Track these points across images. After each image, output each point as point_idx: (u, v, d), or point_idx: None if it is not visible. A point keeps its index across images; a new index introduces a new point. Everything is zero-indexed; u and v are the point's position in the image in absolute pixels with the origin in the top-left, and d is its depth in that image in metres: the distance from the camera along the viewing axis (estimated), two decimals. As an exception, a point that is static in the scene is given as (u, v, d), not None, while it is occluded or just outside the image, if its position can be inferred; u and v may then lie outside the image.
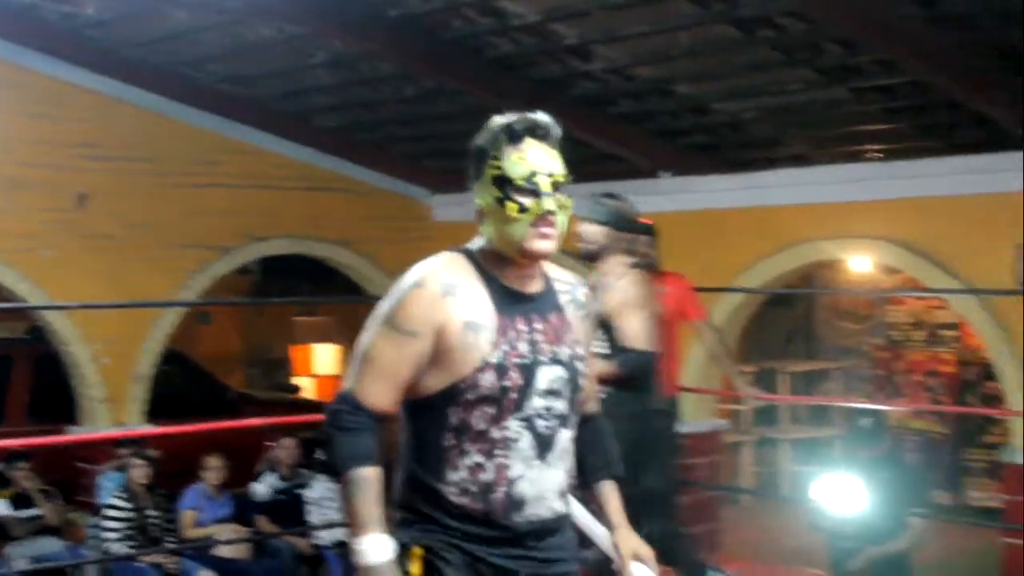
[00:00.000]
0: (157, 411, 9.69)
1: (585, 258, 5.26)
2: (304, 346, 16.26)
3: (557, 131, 2.73)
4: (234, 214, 10.15)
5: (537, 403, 2.66)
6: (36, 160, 9.14)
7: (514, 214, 2.63)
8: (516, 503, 2.65)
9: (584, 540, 3.05)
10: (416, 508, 2.69)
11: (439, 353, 2.60)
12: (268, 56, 8.57)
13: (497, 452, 2.63)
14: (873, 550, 6.39)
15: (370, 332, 2.66)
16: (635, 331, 5.02)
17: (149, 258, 9.70)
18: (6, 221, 9.07)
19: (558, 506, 2.73)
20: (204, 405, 10.95)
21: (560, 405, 2.70)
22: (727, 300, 8.95)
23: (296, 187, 10.53)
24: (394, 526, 2.67)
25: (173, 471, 8.95)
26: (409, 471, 2.71)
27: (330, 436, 2.62)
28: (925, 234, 8.10)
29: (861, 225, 8.43)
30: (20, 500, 8.84)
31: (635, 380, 5.04)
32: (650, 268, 5.61)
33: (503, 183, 2.65)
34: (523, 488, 2.65)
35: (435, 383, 2.62)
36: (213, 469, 8.89)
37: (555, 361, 2.70)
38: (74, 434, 9.38)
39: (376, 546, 2.56)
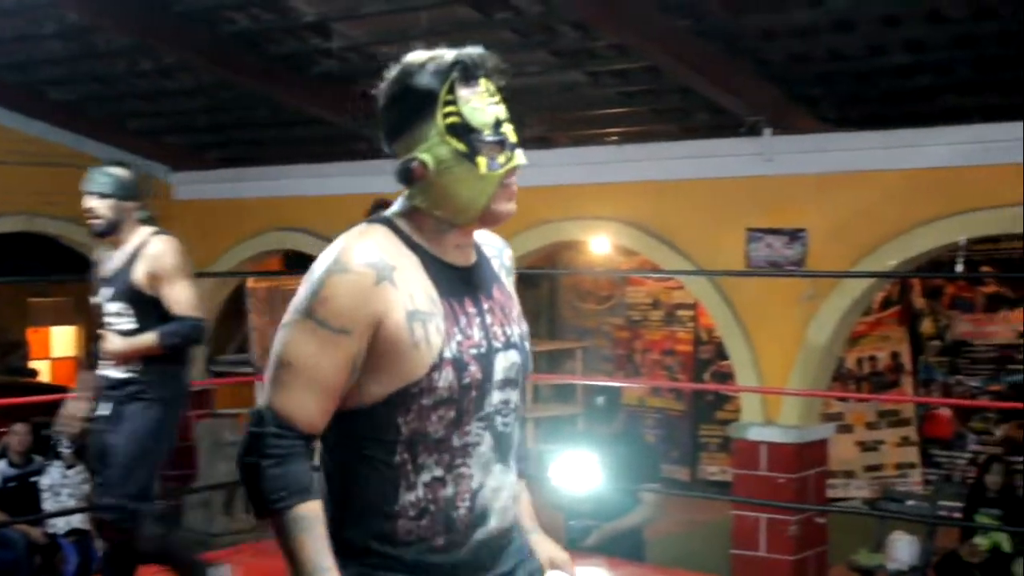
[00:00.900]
0: None
1: (99, 234, 4.90)
2: (41, 328, 15.57)
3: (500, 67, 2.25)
4: (-42, 191, 9.63)
5: (496, 398, 2.21)
6: None
7: (483, 170, 2.15)
8: (479, 517, 2.21)
9: None
10: (352, 545, 2.16)
11: (379, 353, 2.10)
12: (-5, 24, 8.13)
13: (457, 462, 2.17)
14: (607, 526, 6.48)
15: (288, 331, 2.12)
16: (186, 298, 4.78)
17: None
18: None
19: (513, 513, 2.31)
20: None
21: (515, 396, 2.26)
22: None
23: (27, 162, 10.03)
24: None
25: None
26: (339, 500, 2.18)
27: (253, 467, 2.09)
28: (660, 216, 8.31)
29: (600, 207, 8.59)
30: None
31: (183, 352, 4.87)
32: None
33: (464, 132, 2.14)
34: (486, 498, 2.21)
35: (377, 389, 2.11)
36: (-59, 456, 8.44)
37: (509, 345, 2.25)
38: None
39: None
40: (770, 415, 7.89)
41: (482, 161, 2.15)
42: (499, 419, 2.22)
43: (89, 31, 8.05)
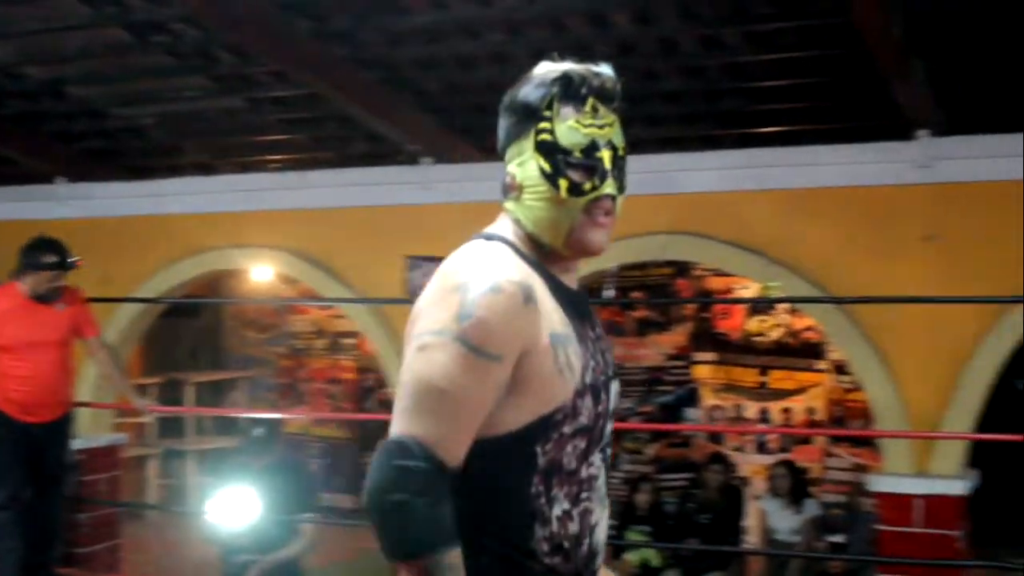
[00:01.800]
0: None
1: None
2: None
3: (620, 91, 2.14)
4: None
5: (608, 428, 2.09)
6: None
7: (564, 194, 2.03)
8: (595, 553, 2.07)
9: None
10: None
11: (523, 378, 1.92)
12: None
13: (583, 495, 2.02)
14: (265, 560, 6.40)
15: (434, 354, 1.90)
16: None
17: None
18: None
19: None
20: None
21: (611, 427, 2.12)
22: (126, 311, 8.67)
23: None
24: None
25: None
26: (468, 539, 1.91)
27: (402, 505, 1.85)
28: (320, 244, 8.27)
29: (261, 234, 8.47)
30: None
31: None
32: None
33: (553, 152, 2.04)
34: (599, 534, 2.07)
35: (516, 416, 1.93)
36: None
37: (615, 375, 2.14)
38: None
39: None
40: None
41: (563, 184, 2.03)
42: (608, 451, 2.10)
43: None
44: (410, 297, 7.80)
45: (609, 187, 2.06)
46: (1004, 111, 6.70)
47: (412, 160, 7.83)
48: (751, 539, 9.11)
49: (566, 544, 1.98)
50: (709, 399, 10.64)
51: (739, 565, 8.73)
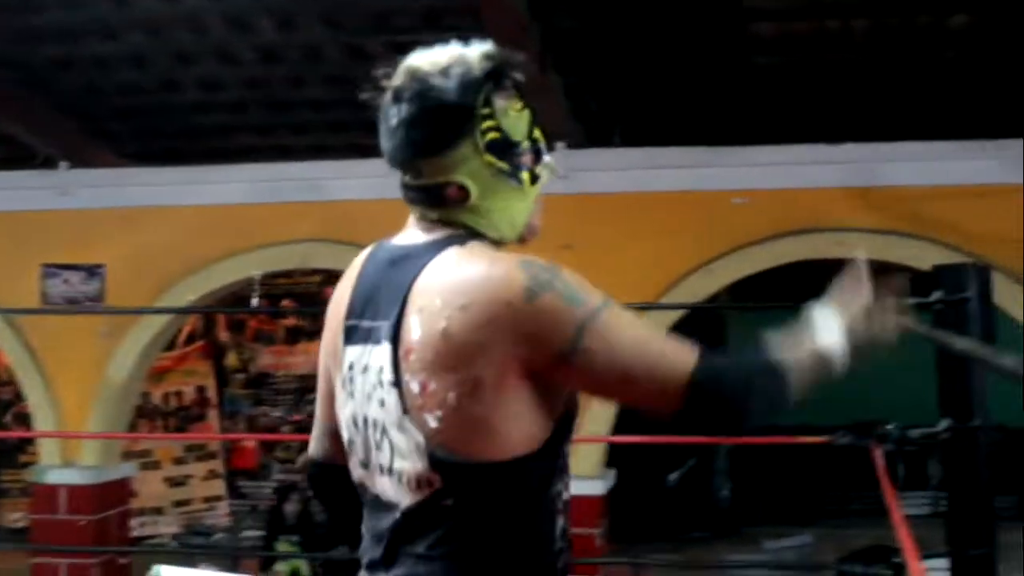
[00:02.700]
0: None
1: None
2: None
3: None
4: None
5: None
6: None
7: (527, 187, 1.87)
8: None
9: None
10: None
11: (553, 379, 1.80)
12: None
13: (569, 486, 1.90)
14: None
15: (617, 313, 1.76)
16: None
17: None
18: None
19: None
20: None
21: None
22: None
23: None
24: None
25: None
26: (497, 537, 1.78)
27: (752, 388, 1.79)
28: None
29: None
30: None
31: None
32: None
33: (505, 148, 1.85)
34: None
35: (546, 424, 1.78)
36: None
37: None
38: None
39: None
40: (69, 456, 7.63)
41: (525, 176, 1.87)
42: None
43: None
44: (47, 306, 7.45)
45: (552, 162, 1.94)
46: (635, 126, 7.06)
47: (49, 164, 7.46)
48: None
49: (566, 539, 1.89)
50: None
51: None
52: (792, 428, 4.60)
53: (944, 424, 3.15)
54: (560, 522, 1.86)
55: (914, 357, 4.02)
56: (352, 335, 1.86)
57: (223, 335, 10.96)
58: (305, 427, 9.50)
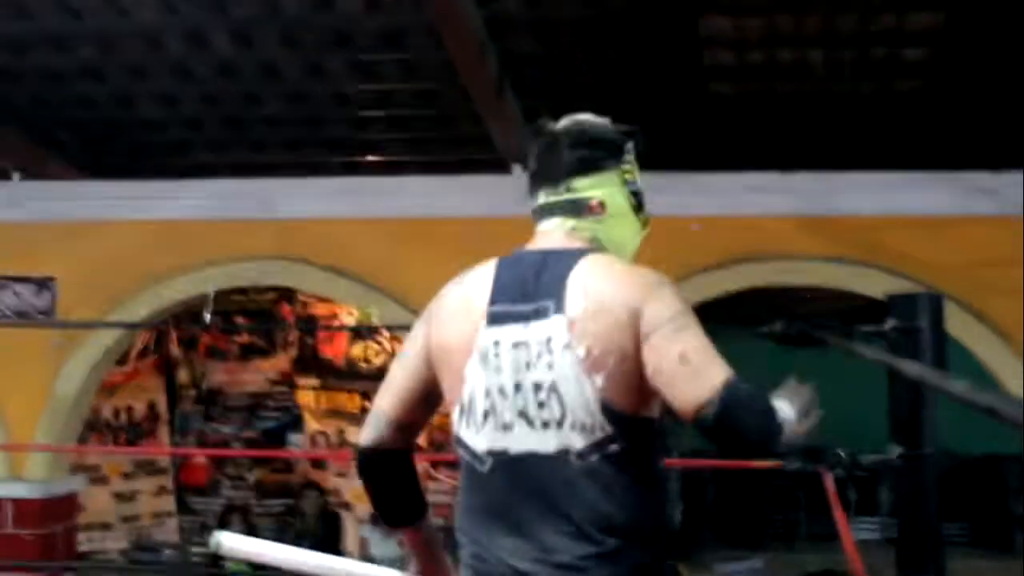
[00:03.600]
0: None
1: None
2: None
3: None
4: None
5: None
6: None
7: (642, 224, 2.46)
8: None
9: None
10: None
11: None
12: None
13: None
14: None
15: (692, 325, 2.17)
16: None
17: None
18: None
19: None
20: None
21: None
22: None
23: None
24: None
25: None
26: (648, 482, 2.23)
27: (757, 411, 2.11)
28: None
29: None
30: None
31: None
32: None
33: (635, 191, 2.44)
34: None
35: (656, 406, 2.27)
36: None
37: None
38: None
39: None
40: (15, 470, 7.54)
41: (644, 219, 2.46)
42: None
43: None
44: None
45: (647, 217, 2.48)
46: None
47: (2, 176, 7.39)
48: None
49: None
50: (312, 424, 10.59)
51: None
52: (744, 453, 4.61)
53: (895, 451, 3.17)
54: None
55: (865, 383, 4.04)
56: (500, 318, 2.24)
57: (175, 351, 10.87)
58: (256, 444, 9.43)
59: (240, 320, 10.45)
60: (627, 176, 2.42)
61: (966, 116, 6.73)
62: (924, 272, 6.38)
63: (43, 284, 7.41)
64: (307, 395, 10.65)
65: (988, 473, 10.62)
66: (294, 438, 10.69)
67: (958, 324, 6.10)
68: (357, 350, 10.46)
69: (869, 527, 10.00)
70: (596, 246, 2.32)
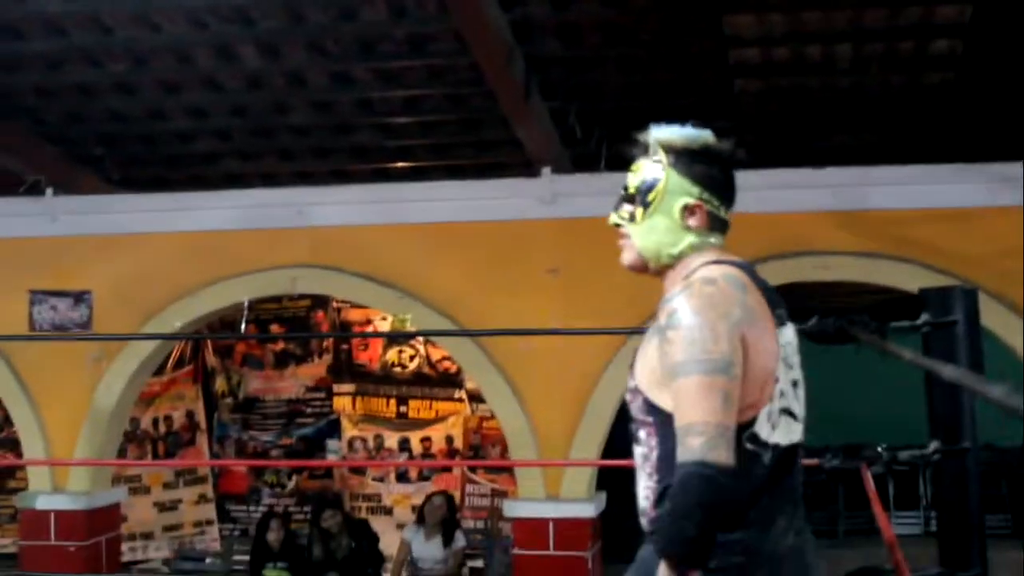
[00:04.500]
0: None
1: None
2: None
3: (652, 137, 2.57)
4: None
5: (632, 407, 2.53)
6: None
7: None
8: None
9: None
10: None
11: None
12: None
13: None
14: None
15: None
16: None
17: None
18: None
19: (644, 520, 2.50)
20: None
21: (633, 425, 2.51)
22: None
23: None
24: None
25: None
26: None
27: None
28: None
29: None
30: None
31: None
32: None
33: None
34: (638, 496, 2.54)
35: None
36: None
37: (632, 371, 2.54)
38: None
39: None
40: (59, 482, 7.61)
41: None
42: (633, 427, 2.52)
43: None
44: (35, 332, 7.43)
45: (610, 217, 2.58)
46: (621, 150, 7.07)
47: (36, 191, 7.46)
48: (391, 569, 9.14)
49: None
50: (349, 430, 10.64)
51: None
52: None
53: (933, 445, 3.16)
54: None
55: (903, 376, 4.02)
56: (782, 320, 2.43)
57: (211, 360, 10.94)
58: (294, 450, 9.46)
59: (274, 328, 10.51)
60: None
61: (995, 107, 6.69)
62: (957, 264, 6.35)
63: (79, 297, 7.48)
64: (344, 401, 10.70)
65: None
66: (332, 444, 10.73)
67: (991, 315, 6.07)
68: (392, 355, 10.50)
69: (909, 521, 9.95)
70: None
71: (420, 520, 8.51)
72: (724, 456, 2.18)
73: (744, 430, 2.32)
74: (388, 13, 5.75)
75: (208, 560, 10.64)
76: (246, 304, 7.58)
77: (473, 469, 10.22)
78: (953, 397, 3.14)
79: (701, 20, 5.85)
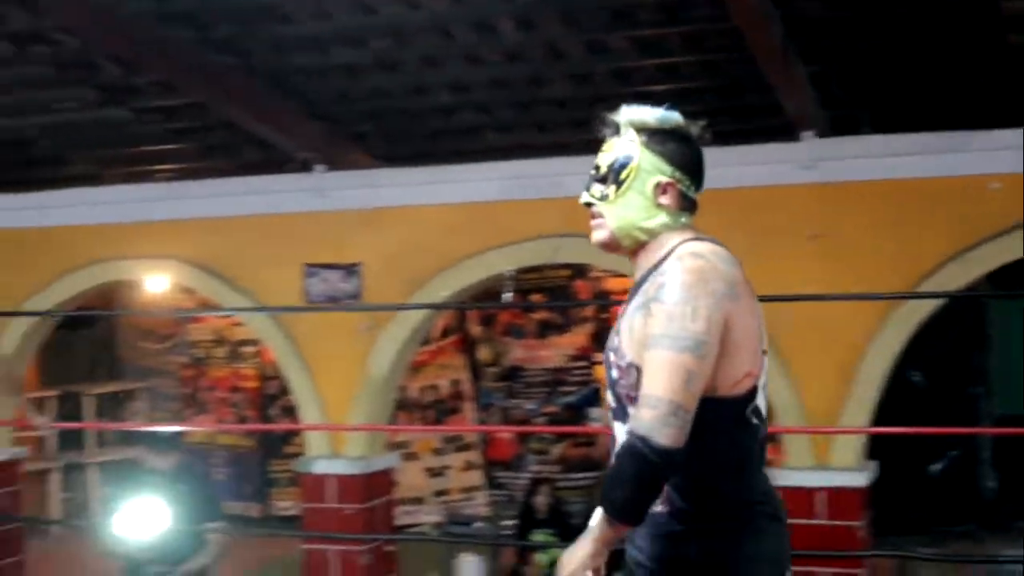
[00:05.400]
0: None
1: None
2: None
3: (624, 117, 2.67)
4: None
5: (609, 375, 2.61)
6: None
7: None
8: None
9: None
10: None
11: None
12: None
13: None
14: (175, 570, 6.35)
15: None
16: None
17: None
18: None
19: None
20: None
21: (609, 395, 2.63)
22: (19, 325, 8.51)
23: None
24: None
25: None
26: None
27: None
28: (216, 253, 8.18)
29: (154, 244, 8.35)
30: None
31: None
32: None
33: None
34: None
35: None
36: None
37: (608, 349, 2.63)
38: None
39: None
40: (336, 447, 7.95)
41: None
42: (613, 392, 2.61)
43: None
44: (309, 304, 7.78)
45: (581, 197, 2.70)
46: (884, 112, 6.85)
47: (306, 167, 7.78)
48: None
49: None
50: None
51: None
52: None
53: None
54: None
55: None
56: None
57: (475, 329, 11.19)
58: (557, 418, 9.58)
59: (536, 298, 10.65)
60: None
61: None
62: None
63: (350, 270, 7.76)
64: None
65: None
66: (594, 412, 10.83)
67: None
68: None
69: None
70: None
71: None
72: (669, 436, 2.30)
73: (748, 402, 2.47)
74: (644, -21, 5.73)
75: (477, 524, 10.92)
76: (508, 274, 7.71)
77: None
78: None
79: (969, -29, 5.60)
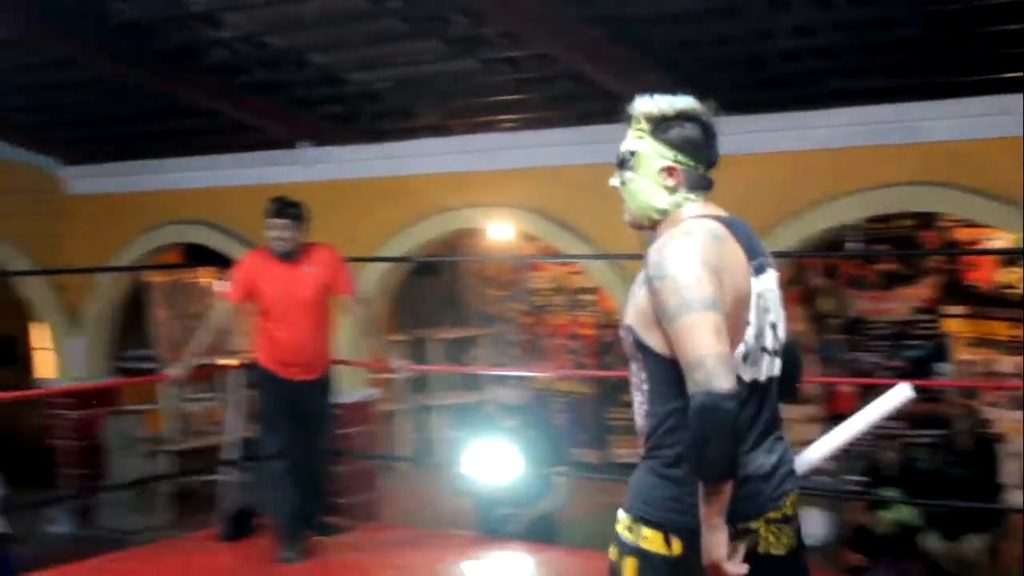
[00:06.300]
0: None
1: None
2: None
3: (634, 110, 2.95)
4: None
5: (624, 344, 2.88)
6: None
7: None
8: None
9: None
10: None
11: None
12: None
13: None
14: (522, 512, 6.53)
15: None
16: None
17: None
18: None
19: (640, 435, 2.91)
20: None
21: (628, 356, 2.88)
22: (373, 270, 8.95)
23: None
24: None
25: None
26: None
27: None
28: (558, 202, 8.33)
29: (497, 194, 8.59)
30: None
31: None
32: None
33: None
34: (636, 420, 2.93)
35: None
36: None
37: (623, 321, 2.89)
38: None
39: None
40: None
41: None
42: (632, 365, 2.85)
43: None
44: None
45: (611, 181, 3.01)
46: None
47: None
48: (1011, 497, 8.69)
49: None
50: (960, 353, 10.25)
51: (1001, 526, 8.29)
52: None
53: None
54: None
55: None
56: (760, 270, 2.76)
57: (816, 280, 10.95)
58: (902, 372, 9.25)
59: (880, 247, 10.31)
60: None
61: None
62: None
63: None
64: (954, 323, 10.30)
65: None
66: (940, 367, 10.41)
67: None
68: (1004, 276, 9.97)
69: None
70: None
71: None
72: (725, 382, 2.51)
73: None
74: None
75: (816, 478, 10.72)
76: (856, 224, 7.48)
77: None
78: None
79: None
